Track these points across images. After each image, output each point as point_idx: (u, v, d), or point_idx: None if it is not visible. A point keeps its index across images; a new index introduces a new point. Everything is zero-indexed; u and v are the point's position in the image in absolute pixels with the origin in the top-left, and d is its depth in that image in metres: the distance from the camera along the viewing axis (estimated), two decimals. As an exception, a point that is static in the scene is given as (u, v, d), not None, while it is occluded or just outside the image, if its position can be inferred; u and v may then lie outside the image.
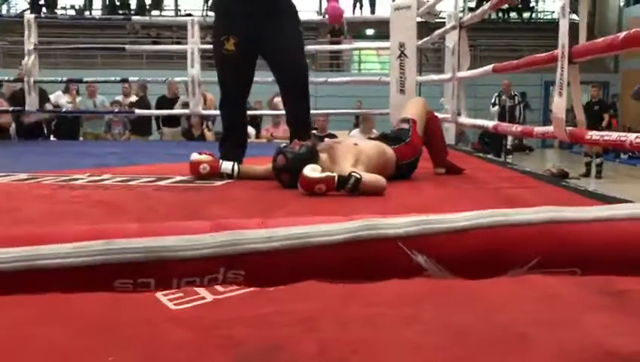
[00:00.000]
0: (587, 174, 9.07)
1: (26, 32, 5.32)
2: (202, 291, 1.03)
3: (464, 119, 4.31)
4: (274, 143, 5.14)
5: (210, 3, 16.36)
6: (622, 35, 1.89)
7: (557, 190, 2.38)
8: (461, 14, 4.36)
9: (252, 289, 1.04)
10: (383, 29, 5.08)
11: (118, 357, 0.78)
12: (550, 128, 2.50)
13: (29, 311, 0.91)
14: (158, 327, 0.89)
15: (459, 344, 0.82)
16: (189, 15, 12.17)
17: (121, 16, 13.53)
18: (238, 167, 2.59)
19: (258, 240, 0.56)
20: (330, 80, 5.77)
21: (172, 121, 6.94)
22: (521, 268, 0.58)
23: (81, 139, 6.95)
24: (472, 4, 14.16)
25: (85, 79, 6.52)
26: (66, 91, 7.02)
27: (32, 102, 5.43)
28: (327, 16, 2.93)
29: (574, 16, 2.89)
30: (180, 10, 17.20)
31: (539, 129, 2.82)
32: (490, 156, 5.14)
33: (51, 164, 3.34)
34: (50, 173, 2.80)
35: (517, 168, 3.27)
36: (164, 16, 16.33)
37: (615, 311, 0.96)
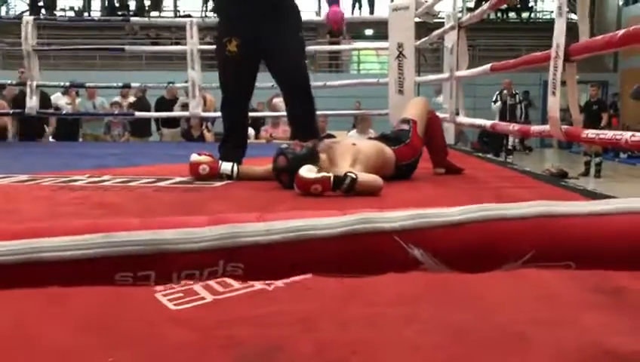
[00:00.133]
0: (586, 173, 9.07)
1: (24, 34, 5.32)
2: (202, 291, 1.03)
3: (463, 118, 4.31)
4: (273, 144, 5.14)
5: (211, 5, 16.44)
6: (620, 32, 1.90)
7: (556, 189, 2.39)
8: (460, 14, 4.37)
9: (252, 289, 1.04)
10: (382, 29, 5.09)
11: (117, 357, 0.78)
12: (547, 127, 2.51)
13: (30, 310, 0.92)
14: (157, 327, 0.89)
15: (458, 343, 0.83)
16: (188, 16, 12.17)
17: (120, 18, 13.53)
18: (238, 168, 2.59)
19: (257, 233, 0.57)
20: (328, 83, 5.77)
21: (171, 122, 6.95)
22: (516, 261, 0.58)
23: (80, 140, 6.95)
24: (471, 5, 14.18)
25: (87, 84, 6.53)
26: (65, 93, 7.02)
27: (32, 105, 5.44)
28: (328, 20, 2.91)
29: (573, 16, 2.89)
30: (178, 11, 17.20)
31: (536, 128, 2.83)
32: (489, 156, 5.15)
33: (51, 165, 3.35)
34: (50, 174, 2.80)
35: (516, 168, 3.28)
36: (163, 17, 16.33)
37: (613, 310, 0.96)
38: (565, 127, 2.34)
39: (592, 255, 0.59)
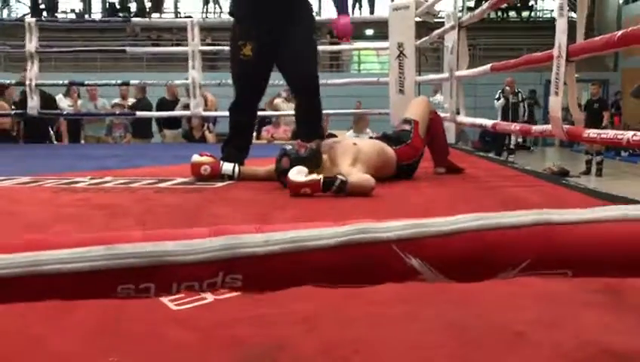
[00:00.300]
0: (587, 172, 9.07)
1: (27, 36, 5.33)
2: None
3: (463, 118, 4.31)
4: (274, 144, 5.14)
5: (212, 7, 16.42)
6: (618, 33, 1.90)
7: (557, 188, 2.39)
8: (460, 14, 4.37)
9: (253, 289, 1.05)
10: (382, 29, 5.10)
11: (119, 357, 0.79)
12: (548, 127, 2.51)
13: (32, 312, 0.92)
14: (159, 328, 0.89)
15: (458, 342, 0.83)
16: (189, 17, 12.18)
17: (121, 19, 13.54)
18: (239, 169, 2.60)
19: (256, 244, 0.57)
20: (329, 82, 5.78)
21: (173, 123, 6.95)
22: (513, 270, 0.59)
23: (82, 142, 6.96)
24: (471, 4, 14.17)
25: (86, 82, 6.53)
26: (67, 94, 7.03)
27: (33, 105, 5.45)
28: (337, 32, 2.88)
29: (573, 15, 2.88)
30: (179, 12, 17.22)
31: (537, 127, 2.83)
32: (490, 155, 5.15)
33: (53, 167, 3.35)
34: (52, 176, 2.81)
35: (517, 167, 3.28)
36: (163, 18, 16.34)
37: (611, 310, 0.96)
38: (567, 126, 2.34)
39: (589, 262, 0.59)
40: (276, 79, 2.96)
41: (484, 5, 3.54)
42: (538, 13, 17.52)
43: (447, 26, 4.48)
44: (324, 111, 2.96)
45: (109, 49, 9.30)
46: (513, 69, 3.26)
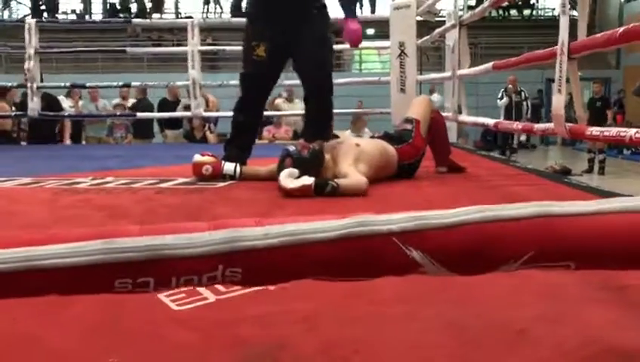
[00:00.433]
0: (590, 170, 9.05)
1: (27, 37, 5.33)
2: (204, 291, 1.03)
3: (465, 117, 4.31)
4: (275, 144, 5.14)
5: (212, 7, 16.43)
6: (620, 29, 1.89)
7: (559, 187, 2.38)
8: (461, 13, 4.36)
9: (254, 289, 1.04)
10: (383, 28, 5.09)
11: (120, 357, 0.79)
12: (550, 125, 2.51)
13: (31, 311, 0.92)
14: (160, 328, 0.89)
15: (459, 341, 0.83)
16: (190, 17, 12.19)
17: (122, 20, 13.56)
18: (241, 169, 2.60)
19: (255, 237, 0.57)
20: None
21: (174, 123, 6.95)
22: (515, 262, 0.58)
23: (83, 142, 6.97)
24: (472, 3, 14.15)
25: (88, 84, 6.54)
26: (68, 95, 7.04)
27: (34, 106, 5.46)
28: (346, 37, 2.84)
29: (575, 13, 2.88)
30: (180, 13, 17.23)
31: (539, 126, 2.83)
32: (492, 154, 5.14)
33: (54, 167, 3.35)
34: (53, 176, 2.81)
35: (519, 166, 3.27)
36: (164, 18, 16.35)
37: (616, 307, 0.96)
38: (569, 124, 2.34)
39: (592, 255, 0.58)
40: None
41: (485, 4, 3.53)
42: (539, 11, 17.51)
43: (448, 24, 4.48)
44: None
45: (109, 49, 9.32)
46: (515, 68, 3.25)
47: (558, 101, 2.35)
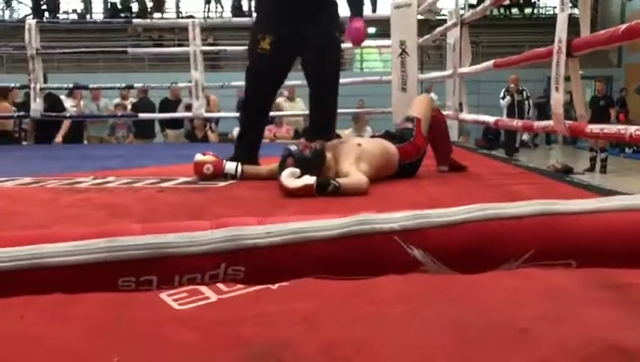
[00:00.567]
0: (591, 169, 9.05)
1: (28, 37, 5.33)
2: (206, 291, 1.03)
3: (466, 115, 4.31)
4: (277, 143, 5.14)
5: (213, 6, 16.42)
6: (622, 27, 1.89)
7: (561, 185, 2.38)
8: (462, 11, 4.36)
9: (256, 288, 1.04)
10: (384, 27, 5.09)
11: (122, 357, 0.79)
12: (551, 123, 2.51)
13: (35, 311, 0.92)
14: (162, 327, 0.89)
15: (460, 341, 0.83)
16: (191, 17, 12.18)
17: (123, 19, 13.56)
18: (242, 168, 2.60)
19: (257, 236, 0.57)
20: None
21: (175, 123, 6.96)
22: (517, 260, 0.58)
23: (85, 142, 6.97)
24: (473, 1, 14.13)
25: (90, 85, 6.54)
26: (69, 95, 7.05)
27: (36, 107, 5.46)
28: (348, 36, 2.83)
29: (577, 11, 2.87)
30: (181, 12, 17.23)
31: (540, 123, 2.82)
32: (494, 153, 5.13)
33: (55, 167, 3.36)
34: (55, 176, 2.81)
35: (521, 164, 3.27)
36: (165, 18, 16.36)
37: (617, 306, 0.96)
38: (569, 122, 2.33)
39: (593, 253, 0.58)
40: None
41: (486, 2, 3.52)
42: (541, 10, 17.48)
43: (449, 23, 4.47)
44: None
45: (111, 49, 9.32)
46: (516, 66, 3.24)
47: (556, 99, 2.35)
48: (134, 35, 14.56)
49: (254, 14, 2.83)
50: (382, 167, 2.41)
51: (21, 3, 17.44)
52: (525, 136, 11.84)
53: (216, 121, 7.00)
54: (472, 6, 11.86)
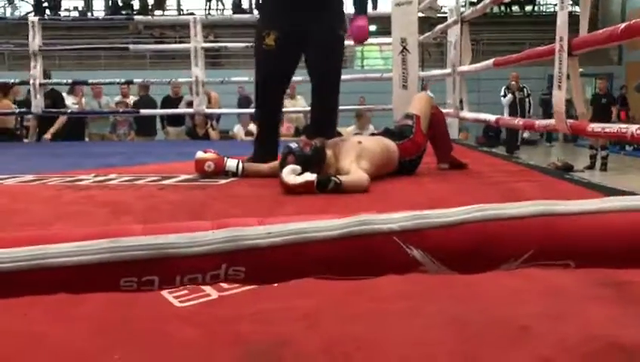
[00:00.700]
0: (592, 166, 9.05)
1: (31, 34, 5.34)
2: (207, 288, 1.04)
3: (466, 113, 4.31)
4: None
5: (214, 3, 16.41)
6: (622, 26, 1.89)
7: (562, 183, 2.38)
8: (462, 9, 4.35)
9: (256, 286, 1.05)
10: (385, 24, 5.08)
11: (123, 354, 0.79)
12: (552, 121, 2.51)
13: (38, 309, 0.92)
14: (163, 325, 0.90)
15: (461, 338, 0.83)
16: (192, 14, 12.18)
17: (124, 17, 13.55)
18: (243, 165, 2.60)
19: (258, 236, 0.57)
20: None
21: (176, 120, 6.96)
22: (516, 261, 0.58)
23: (86, 139, 6.97)
24: (474, -1, 14.12)
25: (90, 81, 6.54)
26: (71, 92, 7.05)
27: (37, 104, 5.46)
28: (351, 34, 2.83)
29: (577, 9, 2.87)
30: (182, 10, 17.22)
31: (541, 122, 2.82)
32: (494, 150, 5.13)
33: (57, 165, 3.36)
34: (56, 174, 2.81)
35: (521, 162, 3.27)
36: (166, 15, 16.35)
37: (617, 303, 0.96)
38: (571, 120, 2.33)
39: (592, 253, 0.59)
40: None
41: (487, 0, 3.52)
42: (541, 7, 17.45)
43: (449, 21, 4.47)
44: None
45: (112, 47, 9.32)
46: (516, 64, 3.24)
47: (558, 97, 2.35)
48: (135, 33, 14.54)
49: (255, 12, 2.83)
50: (382, 165, 2.42)
51: (23, 0, 17.44)
52: (526, 134, 11.83)
53: (217, 118, 7.00)
54: (472, 3, 11.83)
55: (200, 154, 2.60)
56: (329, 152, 2.33)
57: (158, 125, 7.45)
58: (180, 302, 0.99)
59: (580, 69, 2.37)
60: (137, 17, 12.53)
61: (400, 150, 2.52)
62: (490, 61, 3.53)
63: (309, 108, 3.15)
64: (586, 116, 2.44)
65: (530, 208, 0.59)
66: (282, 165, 2.27)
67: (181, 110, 6.42)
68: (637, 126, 1.89)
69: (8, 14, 16.75)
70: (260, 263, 0.58)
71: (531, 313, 0.91)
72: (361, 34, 2.79)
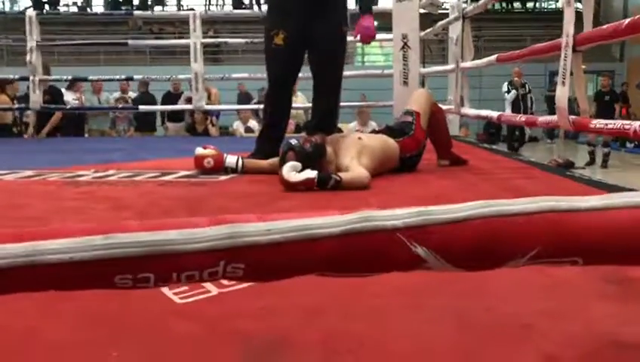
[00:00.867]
0: (592, 163, 9.05)
1: (28, 29, 5.32)
2: (207, 284, 1.03)
3: (467, 109, 4.30)
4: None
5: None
6: (626, 21, 1.88)
7: (563, 180, 2.37)
8: (464, 5, 4.34)
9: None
10: (386, 20, 5.07)
11: (122, 351, 0.78)
12: (554, 117, 2.50)
13: (34, 303, 0.92)
14: (163, 321, 0.89)
15: (464, 333, 0.82)
16: (191, 9, 12.15)
17: (124, 12, 13.53)
18: (243, 161, 2.59)
19: (258, 233, 0.56)
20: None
21: (176, 116, 6.96)
22: (522, 258, 0.57)
23: (86, 135, 6.97)
24: (475, -5, 14.09)
25: (90, 77, 6.53)
26: (69, 88, 7.04)
27: (35, 99, 5.45)
28: (357, 33, 2.84)
29: (579, 5, 2.85)
30: (182, 5, 17.18)
31: (543, 118, 2.81)
32: (495, 147, 5.12)
33: (57, 160, 3.35)
34: (56, 169, 2.80)
35: (522, 159, 3.26)
36: (166, 11, 16.31)
37: (621, 300, 0.95)
38: (573, 117, 2.33)
39: (600, 250, 0.58)
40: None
41: (489, -4, 3.51)
42: (543, 3, 17.42)
43: (451, 17, 4.46)
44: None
45: (111, 42, 9.30)
46: (518, 60, 3.23)
47: (561, 94, 2.34)
48: (135, 28, 14.52)
49: (255, 7, 2.84)
50: (383, 161, 2.41)
51: (22, -5, 17.40)
52: (529, 131, 11.80)
53: (217, 114, 6.99)
54: (473, 0, 11.82)
55: (199, 151, 2.59)
56: (329, 149, 2.32)
57: (158, 121, 7.45)
58: (180, 298, 0.98)
59: (583, 66, 2.36)
60: (137, 13, 12.50)
61: (400, 147, 2.52)
62: (494, 57, 3.52)
63: (309, 105, 3.14)
64: (588, 113, 2.42)
65: (536, 204, 0.58)
66: (282, 161, 2.26)
67: (180, 106, 6.42)
68: (639, 123, 1.88)
69: (7, 9, 16.71)
70: (260, 260, 0.56)
71: (535, 310, 0.91)
72: (367, 35, 2.81)
